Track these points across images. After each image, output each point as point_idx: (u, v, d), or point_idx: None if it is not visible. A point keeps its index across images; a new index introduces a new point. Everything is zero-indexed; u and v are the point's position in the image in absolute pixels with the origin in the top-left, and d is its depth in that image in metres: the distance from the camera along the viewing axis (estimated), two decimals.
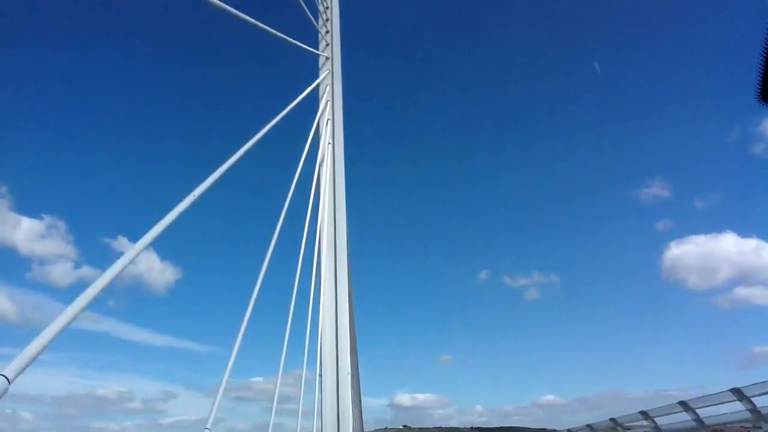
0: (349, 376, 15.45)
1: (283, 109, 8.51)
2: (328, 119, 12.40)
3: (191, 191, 6.18)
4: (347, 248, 13.57)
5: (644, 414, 18.24)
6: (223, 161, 6.79)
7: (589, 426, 23.43)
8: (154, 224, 5.67)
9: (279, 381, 11.81)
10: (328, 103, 12.25)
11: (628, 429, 20.11)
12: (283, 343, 11.72)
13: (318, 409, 14.32)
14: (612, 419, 20.78)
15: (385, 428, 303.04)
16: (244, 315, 9.29)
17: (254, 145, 7.46)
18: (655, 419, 17.91)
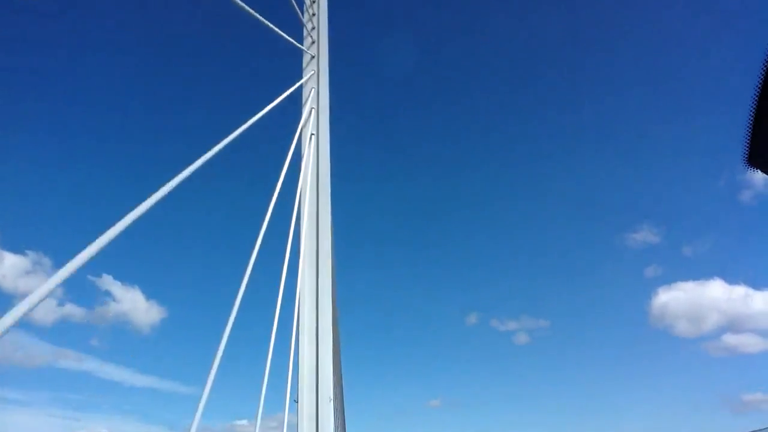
0: (331, 402, 14.85)
1: (257, 113, 7.47)
2: (312, 134, 11.01)
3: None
4: (332, 267, 13.06)
5: None
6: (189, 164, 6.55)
7: None
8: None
9: (259, 421, 11.47)
10: (312, 111, 11.22)
11: None
12: (263, 379, 11.20)
13: None
14: None
15: None
16: (217, 349, 9.04)
17: (228, 153, 7.16)
18: None
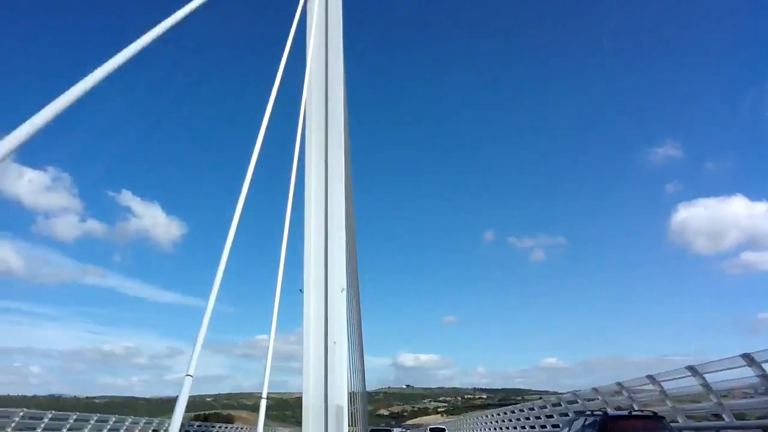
0: (344, 292, 14.42)
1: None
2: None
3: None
4: (346, 146, 12.64)
5: (651, 378, 17.42)
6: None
7: (594, 389, 22.73)
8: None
9: (274, 326, 11.22)
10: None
11: (635, 393, 19.31)
12: (275, 294, 10.90)
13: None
14: (618, 383, 20.00)
15: (388, 387, 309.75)
16: (219, 260, 9.00)
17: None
18: (662, 383, 17.10)
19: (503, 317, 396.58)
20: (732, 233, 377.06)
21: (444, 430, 45.19)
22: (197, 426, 33.12)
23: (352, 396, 41.92)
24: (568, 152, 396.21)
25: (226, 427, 42.05)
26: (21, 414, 20.89)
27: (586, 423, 13.91)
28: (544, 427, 28.99)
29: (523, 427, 32.82)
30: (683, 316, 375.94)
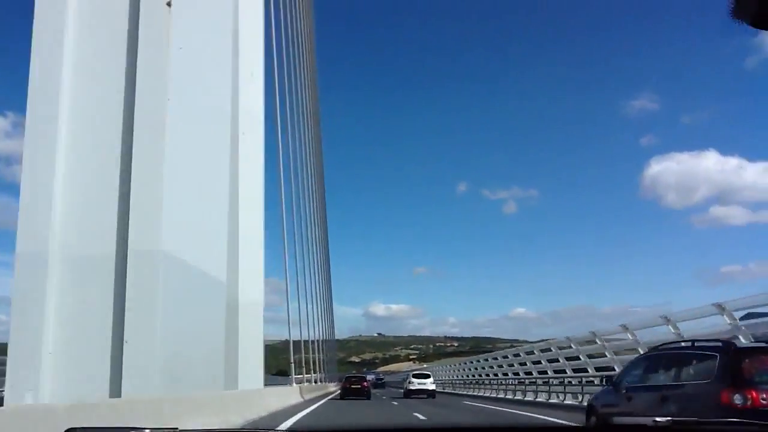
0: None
1: None
2: None
3: None
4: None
5: (624, 327, 18.08)
6: None
7: (567, 338, 23.52)
8: None
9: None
10: None
11: (608, 342, 20.07)
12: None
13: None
14: (592, 332, 20.73)
15: (360, 335, 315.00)
16: None
17: None
18: (635, 333, 17.77)
19: (474, 268, 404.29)
20: (703, 188, 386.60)
21: (434, 392, 34.27)
22: None
23: (320, 344, 42.65)
24: (543, 104, 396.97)
25: None
26: None
27: (696, 357, 7.59)
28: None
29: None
30: (650, 269, 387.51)
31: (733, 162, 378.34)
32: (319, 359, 41.70)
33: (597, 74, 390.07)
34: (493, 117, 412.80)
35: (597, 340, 20.60)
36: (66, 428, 1.55)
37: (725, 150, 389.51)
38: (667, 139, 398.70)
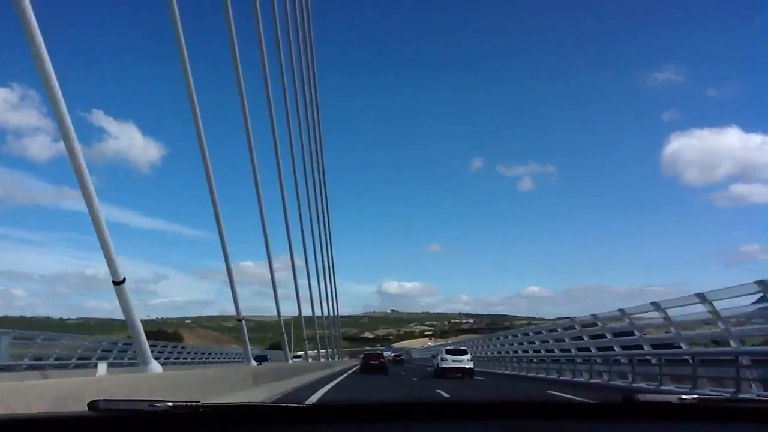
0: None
1: None
2: None
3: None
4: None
5: (656, 305, 17.52)
6: None
7: (593, 315, 23.02)
8: None
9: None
10: None
11: (638, 320, 19.59)
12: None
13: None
14: (620, 309, 20.22)
15: (373, 311, 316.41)
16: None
17: None
18: (667, 311, 17.23)
19: (487, 246, 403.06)
20: (724, 164, 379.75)
21: (472, 370, 29.56)
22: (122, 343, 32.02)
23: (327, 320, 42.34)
24: (562, 76, 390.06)
25: (164, 345, 39.11)
26: None
27: None
28: None
29: None
30: (668, 247, 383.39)
31: (756, 139, 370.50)
32: (323, 335, 41.44)
33: (618, 44, 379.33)
34: (509, 91, 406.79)
35: (625, 318, 20.11)
36: (90, 401, 1.57)
37: (749, 126, 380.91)
38: (691, 114, 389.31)
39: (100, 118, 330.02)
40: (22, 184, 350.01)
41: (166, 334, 79.63)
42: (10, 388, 4.23)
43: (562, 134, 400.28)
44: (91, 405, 1.55)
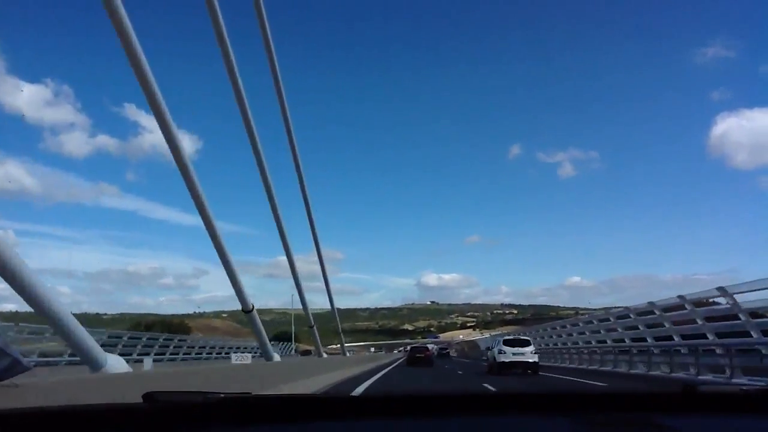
0: None
1: None
2: None
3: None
4: None
5: (723, 290, 16.33)
6: None
7: (650, 303, 21.82)
8: None
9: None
10: None
11: (698, 307, 18.38)
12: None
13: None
14: (680, 296, 19.02)
15: (412, 303, 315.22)
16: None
17: None
18: (735, 296, 16.03)
19: (527, 236, 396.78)
20: None
21: (537, 365, 24.97)
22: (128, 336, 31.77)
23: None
24: (604, 54, 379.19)
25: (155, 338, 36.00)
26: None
27: None
28: None
29: None
30: (715, 234, 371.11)
31: None
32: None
33: (663, 16, 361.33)
34: (549, 73, 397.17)
35: (686, 306, 18.88)
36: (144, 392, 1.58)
37: None
38: (742, 93, 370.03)
39: (133, 112, 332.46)
40: (61, 182, 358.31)
41: (169, 327, 76.69)
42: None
43: (605, 118, 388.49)
44: (146, 396, 1.57)
